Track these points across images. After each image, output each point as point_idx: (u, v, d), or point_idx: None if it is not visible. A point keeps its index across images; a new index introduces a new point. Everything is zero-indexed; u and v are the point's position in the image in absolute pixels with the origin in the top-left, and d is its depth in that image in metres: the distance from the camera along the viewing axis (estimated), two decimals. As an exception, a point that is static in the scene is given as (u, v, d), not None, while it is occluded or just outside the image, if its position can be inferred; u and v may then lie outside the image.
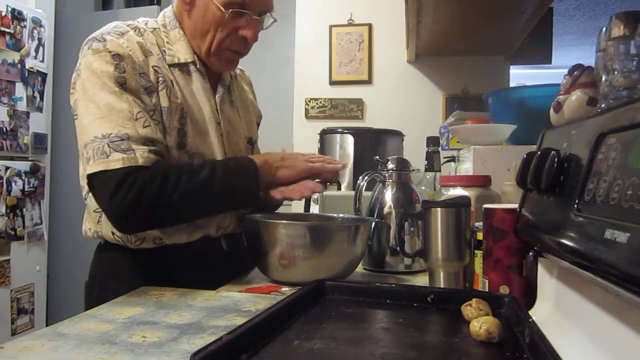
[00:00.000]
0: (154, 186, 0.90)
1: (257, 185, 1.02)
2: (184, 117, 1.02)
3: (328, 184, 1.13)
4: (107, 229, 1.02)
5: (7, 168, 2.55)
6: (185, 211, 0.97)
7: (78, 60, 0.99)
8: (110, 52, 0.94)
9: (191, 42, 1.07)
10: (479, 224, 0.89)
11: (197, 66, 1.07)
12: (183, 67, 1.05)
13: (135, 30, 1.01)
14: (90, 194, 1.03)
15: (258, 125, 1.33)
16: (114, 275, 1.03)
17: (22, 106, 2.65)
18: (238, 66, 1.19)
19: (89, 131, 0.92)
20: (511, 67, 2.82)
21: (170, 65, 1.03)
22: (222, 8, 1.00)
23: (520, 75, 4.51)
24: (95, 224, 1.03)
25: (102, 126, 0.91)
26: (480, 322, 0.60)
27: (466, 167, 1.50)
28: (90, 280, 1.08)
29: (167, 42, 1.05)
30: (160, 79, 0.99)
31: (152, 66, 0.99)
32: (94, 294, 1.03)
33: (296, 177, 1.06)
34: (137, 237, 1.01)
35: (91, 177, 0.92)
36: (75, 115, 0.96)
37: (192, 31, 1.06)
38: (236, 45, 1.06)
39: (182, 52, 1.05)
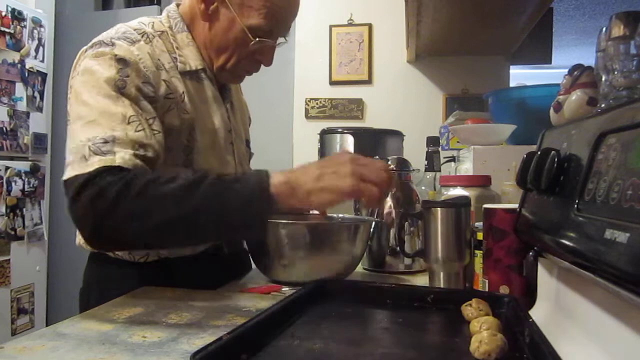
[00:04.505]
0: (112, 192, 0.77)
1: (261, 212, 0.80)
2: (192, 133, 0.98)
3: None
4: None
5: (7, 168, 2.54)
6: (146, 226, 0.79)
7: (74, 62, 0.94)
8: (115, 55, 0.89)
9: (201, 50, 1.02)
10: (479, 224, 0.89)
11: (207, 73, 1.03)
12: (193, 74, 1.01)
13: (143, 37, 0.96)
14: None
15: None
16: (112, 283, 1.00)
17: (22, 106, 2.65)
18: None
19: (75, 136, 0.85)
20: (511, 67, 2.82)
21: (181, 74, 0.99)
22: (249, 35, 0.96)
23: (520, 75, 4.50)
24: None
25: (90, 130, 0.84)
26: (480, 322, 0.60)
27: (466, 167, 1.50)
28: (86, 288, 1.05)
29: (177, 48, 1.00)
30: (171, 96, 0.94)
31: (163, 80, 0.94)
32: (91, 302, 0.95)
33: (339, 202, 0.83)
34: (140, 254, 0.99)
35: (65, 183, 0.83)
36: (68, 120, 0.90)
37: (208, 42, 1.01)
38: (249, 66, 1.04)
39: (191, 58, 1.01)
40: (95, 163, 0.81)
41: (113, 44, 0.90)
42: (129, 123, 0.86)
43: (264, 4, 0.95)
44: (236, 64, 1.02)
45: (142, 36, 0.96)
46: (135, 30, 0.96)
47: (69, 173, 0.83)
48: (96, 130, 0.84)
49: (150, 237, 0.82)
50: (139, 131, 0.86)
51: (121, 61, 0.89)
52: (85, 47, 0.94)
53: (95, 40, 0.94)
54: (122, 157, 0.82)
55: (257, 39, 0.97)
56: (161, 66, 0.95)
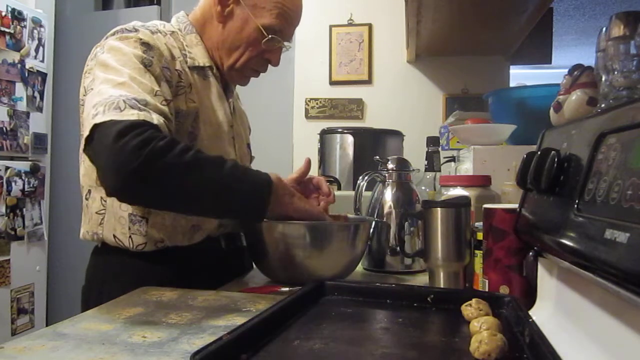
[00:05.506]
0: (160, 143, 0.80)
1: (267, 190, 0.91)
2: (197, 120, 1.02)
3: (328, 183, 1.13)
4: (108, 232, 1.00)
5: (7, 168, 2.54)
6: (181, 183, 0.84)
7: (91, 55, 0.98)
8: (140, 39, 0.95)
9: (211, 51, 1.09)
10: (479, 224, 0.89)
11: (214, 71, 1.09)
12: (200, 70, 1.07)
13: (159, 32, 1.02)
14: (91, 194, 1.02)
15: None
16: (113, 280, 1.00)
17: (22, 106, 2.65)
18: None
19: (103, 93, 0.85)
20: (511, 67, 2.82)
21: (190, 68, 1.04)
22: (264, 32, 1.04)
23: (520, 75, 4.51)
24: (96, 226, 1.01)
25: (121, 90, 0.85)
26: (480, 322, 0.60)
27: (466, 167, 1.50)
28: (88, 285, 1.05)
29: (186, 46, 1.07)
30: (182, 83, 1.00)
31: (176, 69, 1.00)
32: (92, 300, 0.97)
33: (309, 214, 0.98)
34: (139, 241, 0.99)
35: (95, 128, 0.81)
36: (91, 89, 0.90)
37: (219, 43, 1.08)
38: (258, 66, 1.11)
39: (200, 56, 1.07)
40: (135, 114, 0.82)
41: (137, 30, 0.97)
42: (155, 95, 0.90)
43: (275, 5, 1.04)
44: (246, 62, 1.08)
45: (158, 31, 1.02)
46: (150, 26, 1.02)
47: (101, 118, 0.81)
48: (127, 90, 0.86)
49: (182, 195, 0.86)
50: (163, 105, 0.91)
51: (146, 44, 0.95)
52: (108, 35, 0.98)
53: (115, 29, 0.99)
54: (157, 119, 0.85)
55: (270, 36, 1.04)
56: (175, 57, 1.01)
